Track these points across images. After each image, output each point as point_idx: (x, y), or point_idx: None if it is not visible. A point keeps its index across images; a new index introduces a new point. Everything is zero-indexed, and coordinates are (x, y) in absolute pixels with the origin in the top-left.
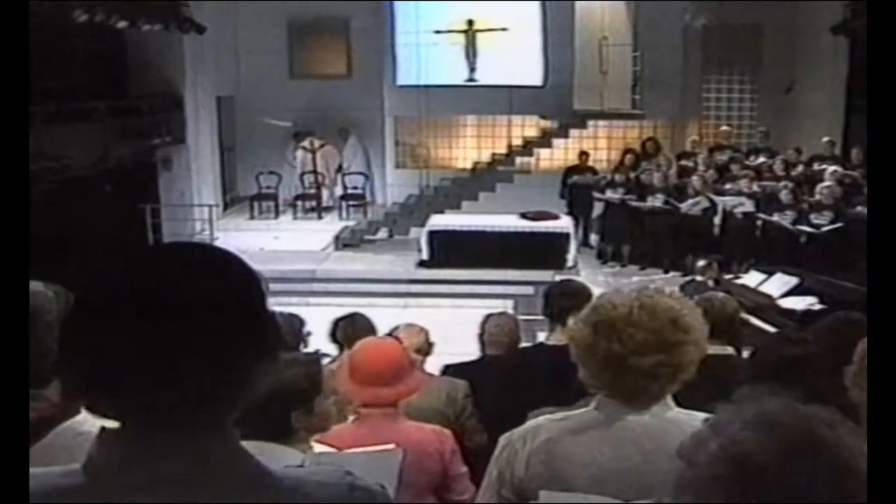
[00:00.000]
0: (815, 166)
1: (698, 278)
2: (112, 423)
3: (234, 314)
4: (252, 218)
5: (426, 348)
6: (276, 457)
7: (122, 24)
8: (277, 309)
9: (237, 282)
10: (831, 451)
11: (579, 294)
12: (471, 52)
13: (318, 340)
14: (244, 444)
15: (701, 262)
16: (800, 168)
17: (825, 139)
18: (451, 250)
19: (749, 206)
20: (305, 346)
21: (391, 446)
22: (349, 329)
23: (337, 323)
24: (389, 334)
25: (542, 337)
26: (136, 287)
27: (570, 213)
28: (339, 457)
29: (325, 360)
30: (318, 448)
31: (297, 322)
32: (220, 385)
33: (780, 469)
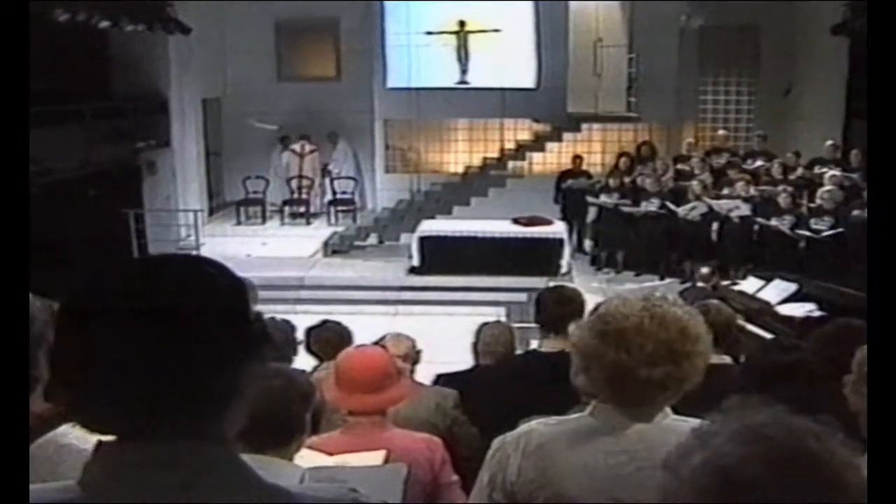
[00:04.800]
0: (816, 170)
1: (700, 284)
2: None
3: (221, 324)
4: (239, 223)
5: (413, 356)
6: (274, 471)
7: (104, 24)
8: (272, 316)
9: (225, 292)
10: (819, 464)
11: (572, 301)
12: (462, 54)
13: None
14: (244, 456)
15: (705, 269)
16: (798, 172)
17: (829, 143)
18: (443, 257)
19: (746, 209)
20: (296, 354)
21: (379, 455)
22: (321, 338)
23: (309, 332)
24: (376, 343)
25: (535, 345)
26: (123, 298)
27: (563, 219)
28: (339, 471)
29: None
30: (308, 456)
31: (289, 328)
32: (207, 395)
33: (765, 483)
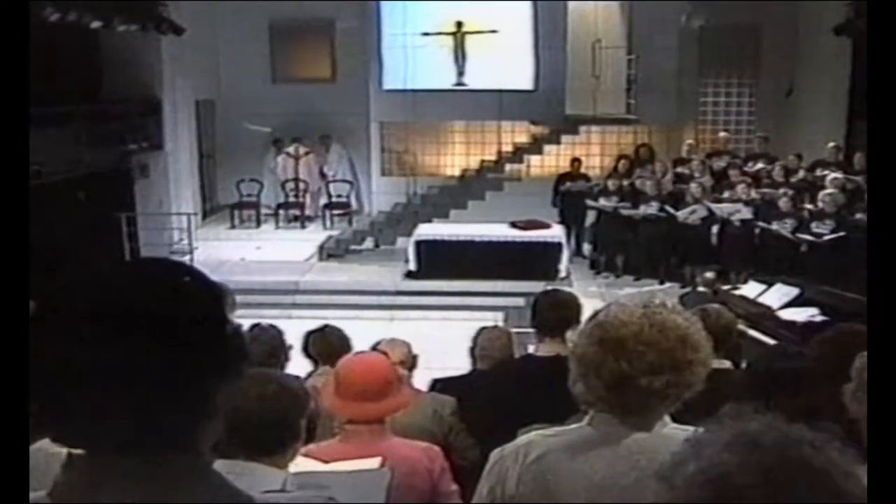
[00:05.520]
0: (818, 172)
1: (700, 289)
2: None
3: (192, 331)
4: (233, 227)
5: (410, 362)
6: (257, 477)
7: (95, 24)
8: (258, 321)
9: (196, 297)
10: (815, 473)
11: (568, 304)
12: (459, 55)
13: (300, 354)
14: (225, 462)
15: (709, 274)
16: (800, 174)
17: (831, 144)
18: (439, 261)
19: (747, 213)
20: (287, 360)
21: (375, 463)
22: (320, 343)
23: (308, 336)
24: (373, 349)
25: (532, 350)
26: (92, 305)
27: (562, 222)
28: (323, 477)
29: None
30: (303, 464)
31: (277, 334)
32: (180, 404)
33: (759, 493)
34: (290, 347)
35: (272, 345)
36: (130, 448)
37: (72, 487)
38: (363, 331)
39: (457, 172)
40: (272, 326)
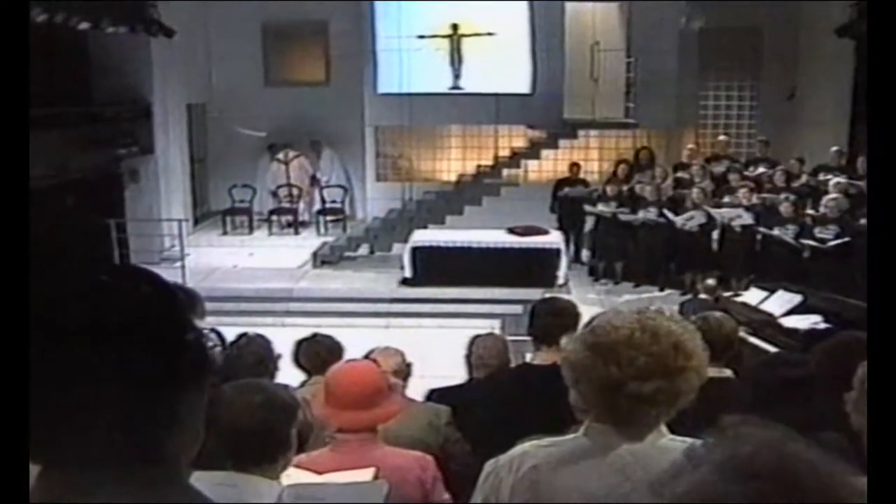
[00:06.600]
0: (821, 177)
1: (702, 296)
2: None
3: (149, 339)
4: (225, 233)
5: (404, 370)
6: (250, 488)
7: (84, 25)
8: (246, 331)
9: (153, 304)
10: (811, 498)
11: (566, 312)
12: (455, 58)
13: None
14: (217, 474)
15: (710, 281)
16: (803, 179)
17: (834, 149)
18: (435, 267)
19: (748, 218)
20: (277, 369)
21: (369, 473)
22: (310, 352)
23: (299, 345)
24: (366, 358)
25: (529, 358)
26: (44, 315)
27: (560, 228)
28: (319, 490)
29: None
30: (295, 475)
31: (265, 343)
32: (142, 415)
33: None
34: (280, 357)
35: (260, 354)
36: (94, 461)
37: (44, 499)
38: (358, 338)
39: (453, 177)
40: (259, 336)
